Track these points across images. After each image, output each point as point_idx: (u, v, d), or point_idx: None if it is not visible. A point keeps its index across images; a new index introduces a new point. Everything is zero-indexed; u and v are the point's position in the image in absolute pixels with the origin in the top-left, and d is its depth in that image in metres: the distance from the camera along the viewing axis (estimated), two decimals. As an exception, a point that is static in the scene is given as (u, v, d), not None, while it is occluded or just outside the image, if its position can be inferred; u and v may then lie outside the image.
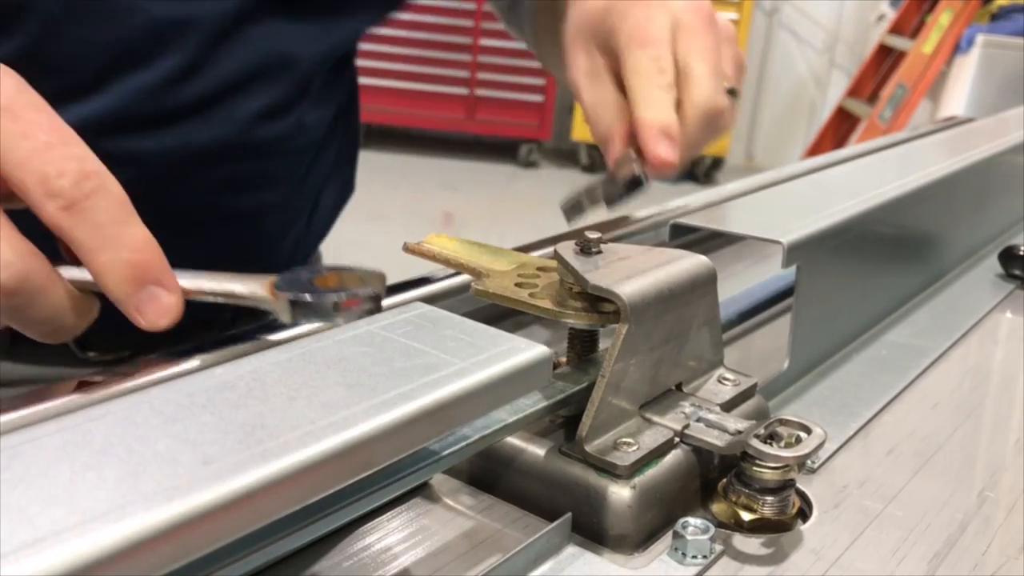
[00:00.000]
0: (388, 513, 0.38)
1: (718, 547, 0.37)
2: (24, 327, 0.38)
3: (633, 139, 0.54)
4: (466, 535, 0.38)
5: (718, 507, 0.41)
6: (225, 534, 0.24)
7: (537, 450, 0.39)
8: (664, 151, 0.52)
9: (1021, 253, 0.72)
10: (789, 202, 0.57)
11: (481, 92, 4.66)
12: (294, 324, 0.41)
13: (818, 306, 0.52)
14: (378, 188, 4.30)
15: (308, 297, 0.37)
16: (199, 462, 0.24)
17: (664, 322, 0.41)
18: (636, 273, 0.41)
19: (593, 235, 0.43)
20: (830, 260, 0.52)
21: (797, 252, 0.48)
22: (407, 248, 0.48)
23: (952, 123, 1.16)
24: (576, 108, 4.44)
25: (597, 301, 0.42)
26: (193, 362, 0.42)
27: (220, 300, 0.39)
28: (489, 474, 0.40)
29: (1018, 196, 0.85)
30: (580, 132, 4.66)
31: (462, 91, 4.67)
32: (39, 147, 0.36)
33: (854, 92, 4.72)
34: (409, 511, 0.39)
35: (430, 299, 0.52)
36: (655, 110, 0.53)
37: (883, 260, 0.61)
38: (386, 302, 0.37)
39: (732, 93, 0.56)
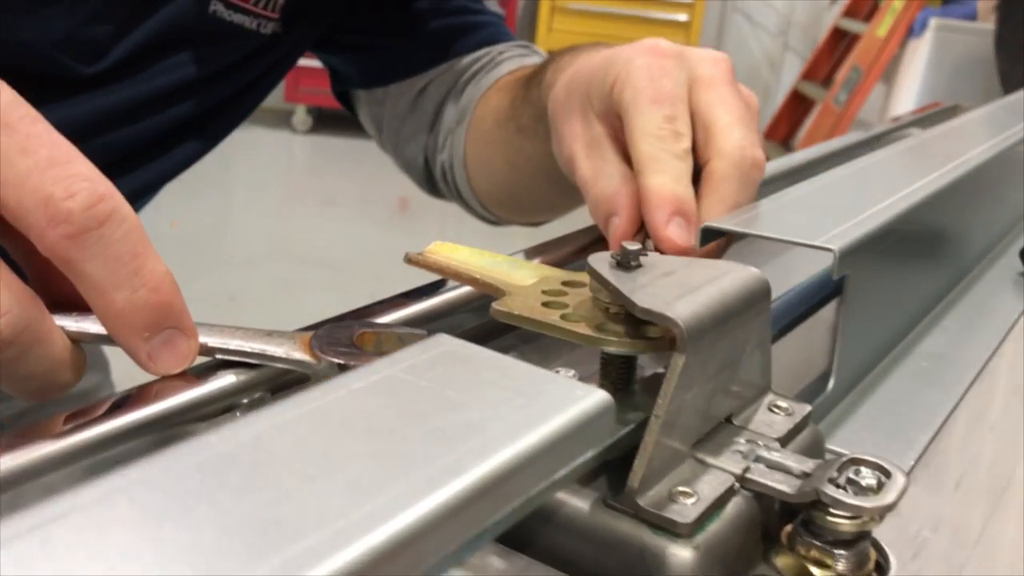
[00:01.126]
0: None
1: (795, 615, 0.32)
2: (11, 383, 0.31)
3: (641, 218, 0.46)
4: (499, 608, 0.32)
5: (783, 561, 0.35)
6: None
7: (580, 503, 0.34)
8: (676, 233, 0.44)
9: (1044, 250, 0.68)
10: (825, 201, 0.51)
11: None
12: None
13: (864, 317, 0.47)
14: (330, 173, 4.20)
15: (354, 363, 0.33)
16: (200, 587, 0.18)
17: (720, 348, 0.35)
18: (687, 292, 0.35)
19: (633, 246, 0.37)
20: (876, 266, 0.47)
21: (848, 259, 0.42)
22: (409, 259, 0.41)
23: (942, 110, 1.12)
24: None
25: (640, 324, 0.36)
26: (165, 403, 0.35)
27: (247, 360, 0.35)
28: (522, 531, 0.34)
29: (1028, 187, 0.81)
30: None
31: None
32: (40, 163, 0.30)
33: (809, 75, 4.73)
34: (429, 578, 0.33)
35: (427, 315, 0.46)
36: (666, 178, 0.45)
37: (916, 263, 0.56)
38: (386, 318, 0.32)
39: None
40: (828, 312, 0.56)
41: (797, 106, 4.72)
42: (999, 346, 0.56)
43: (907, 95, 3.82)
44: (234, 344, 0.35)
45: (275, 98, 4.67)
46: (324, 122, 4.57)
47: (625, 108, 0.47)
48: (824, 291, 0.55)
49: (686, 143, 0.46)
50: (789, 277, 0.60)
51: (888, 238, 0.47)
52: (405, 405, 0.26)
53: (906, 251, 0.53)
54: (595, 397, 0.27)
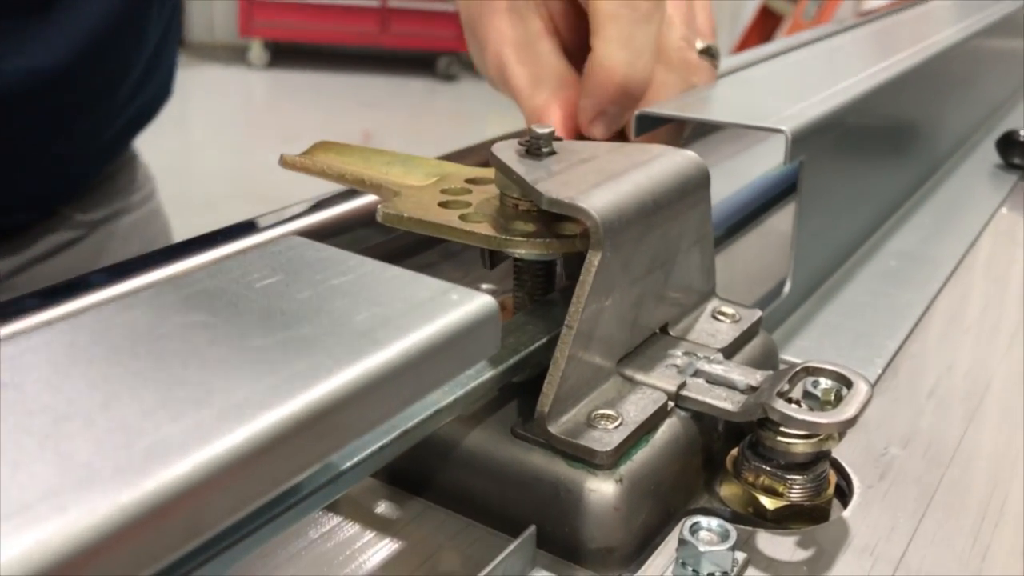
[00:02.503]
0: (276, 540, 0.27)
1: (740, 556, 0.27)
2: None
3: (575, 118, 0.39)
4: (389, 562, 0.27)
5: (728, 491, 0.30)
6: None
7: (481, 434, 0.28)
8: (601, 128, 0.38)
9: (1022, 139, 0.62)
10: (774, 85, 0.45)
11: (394, 3, 4.43)
12: None
13: (822, 212, 0.41)
14: (290, 109, 4.08)
15: None
16: None
17: (647, 244, 0.29)
18: (606, 179, 0.29)
19: (543, 129, 0.31)
20: (833, 153, 0.41)
21: (801, 143, 0.37)
22: (284, 162, 0.35)
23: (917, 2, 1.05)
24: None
25: (555, 221, 0.30)
26: None
27: None
28: (416, 470, 0.29)
29: (1006, 79, 0.75)
30: (499, 41, 4.46)
31: (374, 2, 4.43)
32: None
33: (777, -11, 4.61)
34: (306, 531, 0.27)
35: (315, 236, 0.40)
36: (615, 49, 0.37)
37: (879, 153, 0.50)
38: (245, 243, 0.25)
39: (710, 53, 0.42)
40: (786, 216, 0.51)
41: (766, 22, 4.61)
42: (975, 241, 0.51)
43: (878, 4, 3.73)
44: None
45: (229, 33, 4.52)
46: (281, 56, 4.42)
47: None
48: (781, 190, 0.49)
49: (647, 11, 0.39)
50: (741, 180, 0.54)
51: (847, 123, 0.41)
52: (220, 322, 0.20)
53: (869, 141, 0.47)
54: (475, 301, 0.22)
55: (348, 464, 0.23)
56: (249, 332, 0.20)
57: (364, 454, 0.23)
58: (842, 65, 0.48)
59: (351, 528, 0.28)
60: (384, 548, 0.27)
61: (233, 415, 0.17)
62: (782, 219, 0.51)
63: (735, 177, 0.55)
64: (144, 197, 0.68)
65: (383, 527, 0.28)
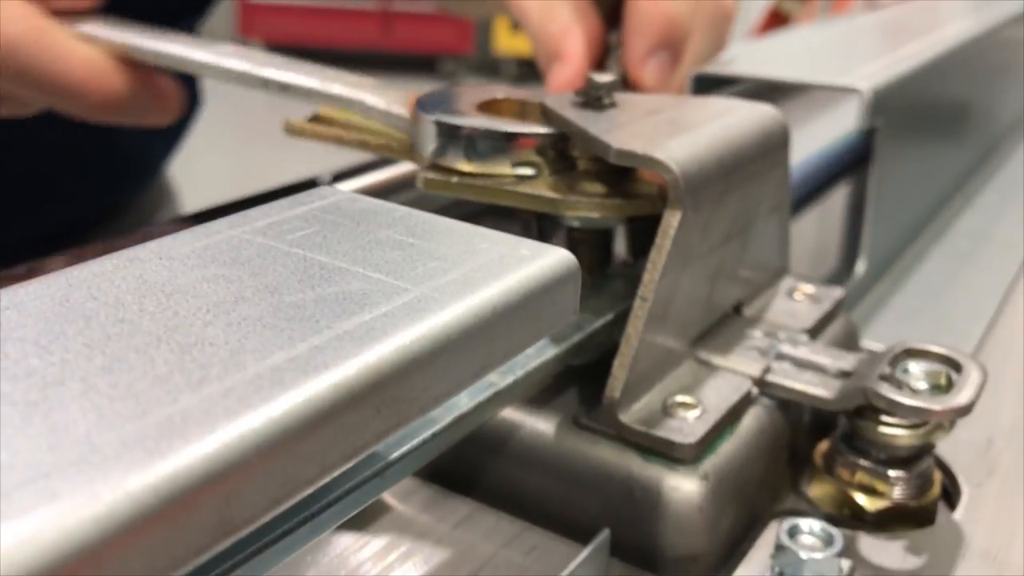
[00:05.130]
0: (308, 545, 0.23)
1: (846, 564, 0.23)
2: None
3: (595, 52, 0.36)
4: (437, 572, 0.23)
5: (819, 490, 0.26)
6: None
7: (540, 424, 0.24)
8: (654, 72, 0.34)
9: (1083, 119, 0.58)
10: (847, 43, 0.42)
11: (396, 6, 4.39)
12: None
13: (898, 184, 0.37)
14: (290, 112, 4.05)
15: (465, 125, 0.26)
16: None
17: (727, 207, 0.26)
18: (681, 131, 0.25)
19: (603, 77, 0.27)
20: (910, 120, 0.38)
21: (881, 106, 0.33)
22: (292, 129, 0.31)
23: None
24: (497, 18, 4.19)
25: (623, 182, 0.26)
26: None
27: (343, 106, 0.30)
28: (464, 465, 0.25)
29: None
30: (506, 43, 4.44)
31: (374, 5, 4.39)
32: None
33: (785, -9, 4.59)
34: (339, 537, 0.24)
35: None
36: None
37: (945, 127, 0.46)
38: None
39: None
40: (839, 194, 0.47)
41: (775, 24, 4.59)
42: (1047, 223, 0.47)
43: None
44: (335, 89, 0.31)
45: (228, 34, 4.48)
46: (285, 59, 4.40)
47: None
48: (840, 162, 0.45)
49: None
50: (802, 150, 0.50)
51: (921, 89, 0.38)
52: (247, 276, 0.16)
53: (936, 112, 0.43)
54: (551, 256, 0.18)
55: (396, 454, 0.19)
56: (282, 287, 0.16)
57: (414, 442, 0.19)
58: (913, 28, 0.44)
59: (387, 535, 0.24)
60: (426, 558, 0.23)
61: (269, 381, 0.13)
62: (836, 196, 0.47)
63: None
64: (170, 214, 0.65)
65: (423, 533, 0.24)
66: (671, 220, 0.23)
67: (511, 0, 0.37)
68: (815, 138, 0.52)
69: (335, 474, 0.13)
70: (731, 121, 0.27)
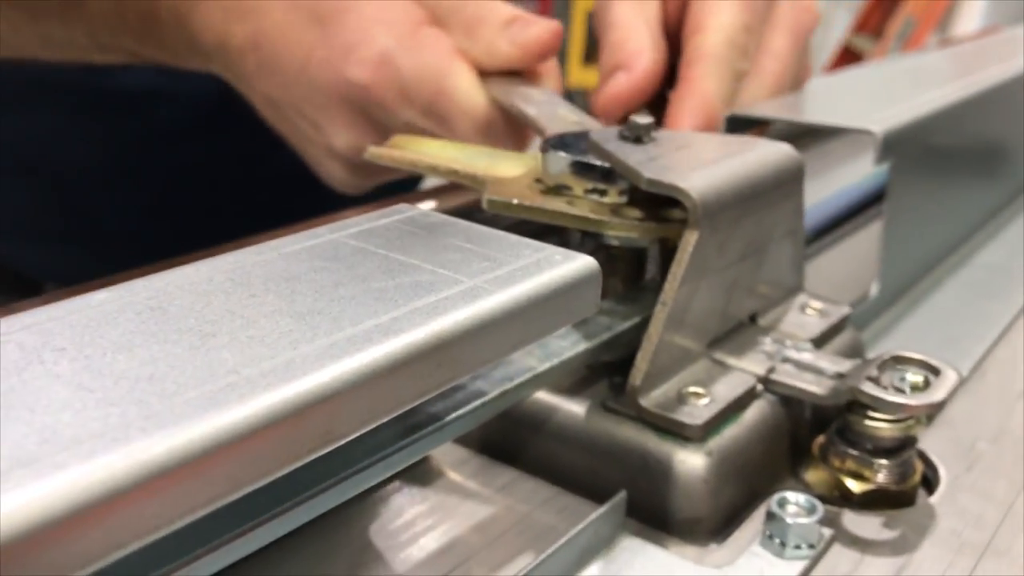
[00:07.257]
0: (370, 498, 0.28)
1: (827, 531, 0.27)
2: None
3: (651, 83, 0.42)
4: (480, 526, 0.28)
5: (815, 475, 0.31)
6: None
7: (574, 407, 0.29)
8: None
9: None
10: (868, 89, 0.46)
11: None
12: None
13: (912, 216, 0.41)
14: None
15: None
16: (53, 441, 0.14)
17: (742, 229, 0.30)
18: (704, 164, 0.30)
19: (643, 119, 0.32)
20: (925, 159, 0.42)
21: (892, 146, 0.37)
22: (372, 154, 0.37)
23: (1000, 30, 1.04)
24: (571, 51, 4.23)
25: (655, 209, 0.31)
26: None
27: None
28: (509, 440, 0.30)
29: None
30: (577, 76, 4.49)
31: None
32: None
33: (860, 28, 4.58)
34: (399, 495, 0.29)
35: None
36: (717, 86, 0.40)
37: (971, 165, 0.50)
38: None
39: None
40: (868, 233, 0.51)
41: (848, 62, 4.58)
42: (1066, 258, 0.50)
43: (963, 44, 3.66)
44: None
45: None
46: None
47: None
48: (861, 203, 0.49)
49: (748, 66, 0.42)
50: (821, 193, 0.54)
51: (938, 129, 0.42)
52: (344, 268, 0.21)
53: (957, 155, 0.47)
54: (578, 261, 0.23)
55: (453, 415, 0.24)
56: (371, 277, 0.21)
57: (468, 408, 0.24)
58: (933, 76, 0.48)
59: (440, 494, 0.29)
60: (472, 513, 0.28)
61: (362, 340, 0.18)
62: (864, 235, 0.51)
63: (816, 188, 0.55)
64: None
65: (472, 494, 0.29)
66: (689, 238, 0.28)
67: (604, 4, 0.42)
68: (858, 174, 0.56)
69: (407, 407, 0.18)
70: (749, 157, 0.31)
